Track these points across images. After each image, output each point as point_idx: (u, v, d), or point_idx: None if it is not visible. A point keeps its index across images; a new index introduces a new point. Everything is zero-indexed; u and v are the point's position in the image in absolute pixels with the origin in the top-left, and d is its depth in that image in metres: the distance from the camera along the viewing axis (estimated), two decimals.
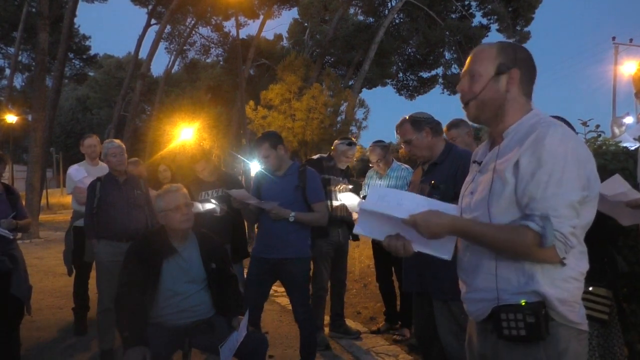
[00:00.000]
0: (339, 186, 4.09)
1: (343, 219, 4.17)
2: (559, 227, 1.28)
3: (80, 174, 4.56)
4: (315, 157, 4.34)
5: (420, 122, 2.70)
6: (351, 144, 4.21)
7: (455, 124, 3.73)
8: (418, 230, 1.43)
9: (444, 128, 3.07)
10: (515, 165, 1.36)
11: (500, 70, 1.45)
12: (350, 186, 4.23)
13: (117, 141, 3.98)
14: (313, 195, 3.25)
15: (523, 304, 1.33)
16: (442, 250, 1.51)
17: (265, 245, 3.28)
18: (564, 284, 1.35)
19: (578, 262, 1.38)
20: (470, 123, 3.54)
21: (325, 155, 4.34)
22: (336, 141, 4.31)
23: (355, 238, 4.53)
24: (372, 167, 4.43)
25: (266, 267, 3.26)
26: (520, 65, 1.47)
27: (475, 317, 1.51)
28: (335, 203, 4.02)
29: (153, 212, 3.94)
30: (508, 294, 1.37)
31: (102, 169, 4.57)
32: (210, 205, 3.82)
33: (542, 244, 1.28)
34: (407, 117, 2.76)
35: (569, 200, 1.30)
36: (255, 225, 10.20)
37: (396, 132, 2.82)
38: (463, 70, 1.56)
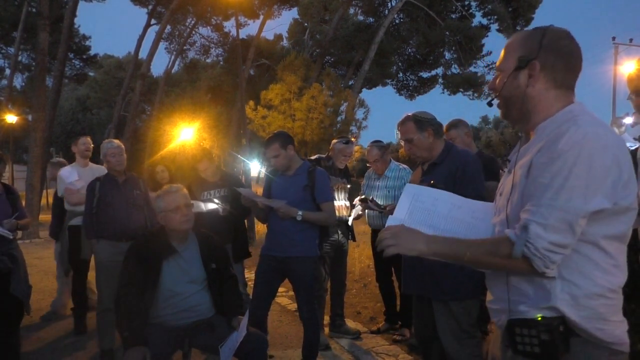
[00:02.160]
0: (337, 185, 4.09)
1: (342, 219, 4.17)
2: (535, 240, 1.18)
3: (72, 175, 4.58)
4: (313, 157, 4.34)
5: (423, 122, 2.69)
6: (348, 142, 4.23)
7: (454, 125, 3.74)
8: (387, 243, 1.34)
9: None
10: (529, 169, 1.26)
11: (519, 65, 1.31)
12: (349, 185, 4.23)
13: (116, 141, 3.98)
14: (321, 194, 3.26)
15: (539, 319, 1.24)
16: None
17: (273, 244, 3.30)
18: (587, 301, 1.22)
19: (607, 277, 1.23)
20: (469, 123, 3.53)
21: (323, 155, 4.35)
22: (334, 140, 4.33)
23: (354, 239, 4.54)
24: (370, 167, 4.43)
25: (273, 265, 3.27)
26: (546, 54, 1.30)
27: (498, 326, 1.42)
28: (334, 203, 4.02)
29: (152, 213, 3.95)
30: (525, 306, 1.27)
31: (92, 170, 4.61)
32: (212, 205, 3.82)
33: (511, 253, 1.21)
34: (411, 115, 2.75)
35: (565, 211, 1.16)
36: (255, 226, 10.09)
37: (397, 129, 2.81)
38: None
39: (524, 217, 1.22)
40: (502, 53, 1.40)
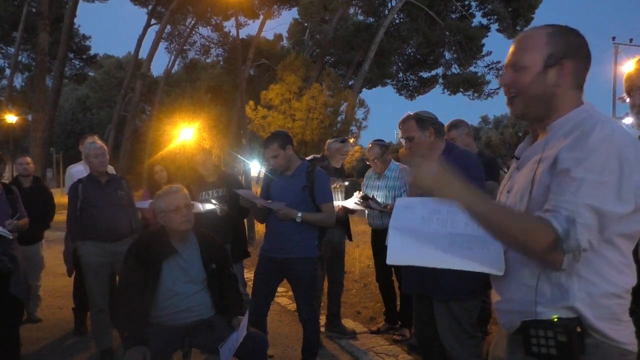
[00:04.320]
0: (334, 185, 4.08)
1: (339, 219, 4.16)
2: (580, 237, 1.13)
3: (82, 173, 4.57)
4: (308, 158, 4.34)
5: (425, 121, 2.70)
6: (344, 141, 4.23)
7: (454, 125, 3.74)
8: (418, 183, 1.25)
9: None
10: (552, 164, 1.22)
11: (550, 63, 1.29)
12: (346, 183, 4.22)
13: (99, 142, 3.93)
14: (321, 195, 3.24)
15: (555, 319, 1.21)
16: (490, 263, 1.34)
17: (272, 244, 3.29)
18: (603, 300, 1.21)
19: (621, 277, 1.23)
20: (470, 123, 3.51)
21: (318, 155, 4.35)
22: (328, 140, 4.33)
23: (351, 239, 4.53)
24: (370, 166, 4.43)
25: (273, 267, 3.26)
26: (572, 54, 1.30)
27: (506, 328, 1.38)
28: (334, 203, 4.00)
29: (135, 213, 3.94)
30: (541, 307, 1.24)
31: None
32: (210, 206, 3.81)
33: (560, 248, 1.14)
34: (412, 114, 2.76)
35: (600, 209, 1.14)
36: (255, 226, 10.00)
37: (399, 127, 2.81)
38: (506, 61, 1.38)
39: (563, 210, 1.15)
40: (517, 48, 1.35)
